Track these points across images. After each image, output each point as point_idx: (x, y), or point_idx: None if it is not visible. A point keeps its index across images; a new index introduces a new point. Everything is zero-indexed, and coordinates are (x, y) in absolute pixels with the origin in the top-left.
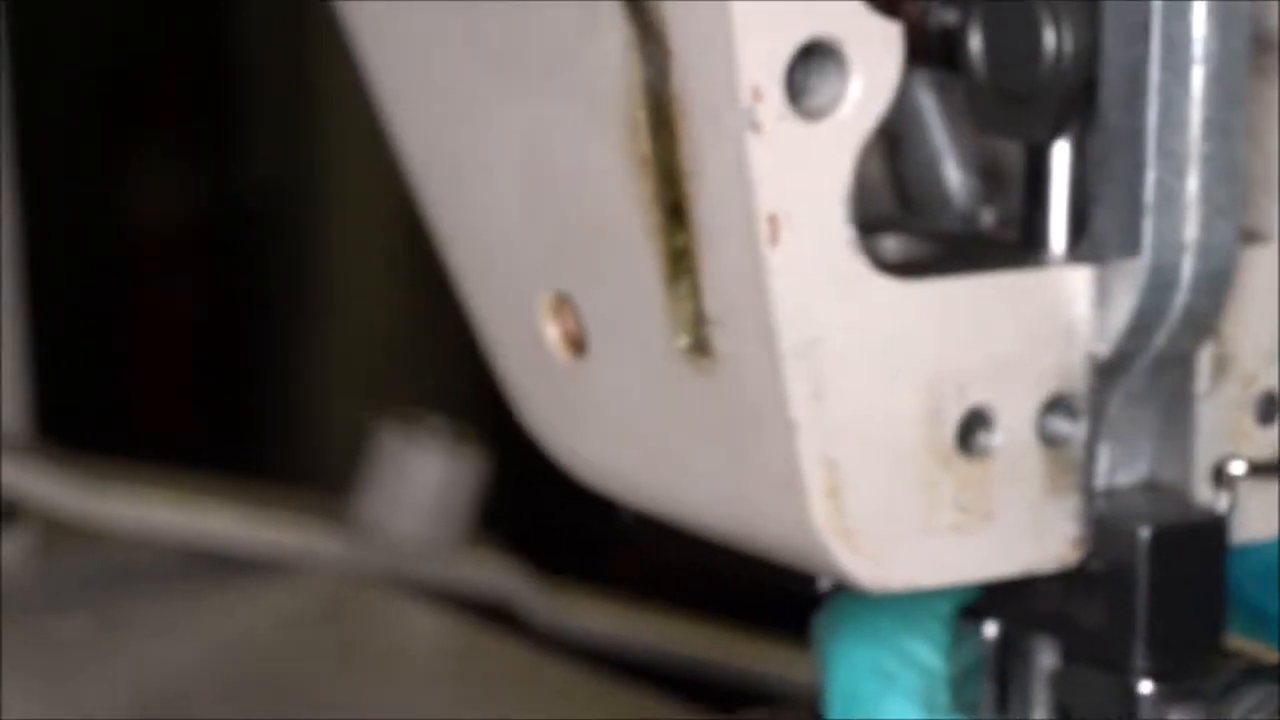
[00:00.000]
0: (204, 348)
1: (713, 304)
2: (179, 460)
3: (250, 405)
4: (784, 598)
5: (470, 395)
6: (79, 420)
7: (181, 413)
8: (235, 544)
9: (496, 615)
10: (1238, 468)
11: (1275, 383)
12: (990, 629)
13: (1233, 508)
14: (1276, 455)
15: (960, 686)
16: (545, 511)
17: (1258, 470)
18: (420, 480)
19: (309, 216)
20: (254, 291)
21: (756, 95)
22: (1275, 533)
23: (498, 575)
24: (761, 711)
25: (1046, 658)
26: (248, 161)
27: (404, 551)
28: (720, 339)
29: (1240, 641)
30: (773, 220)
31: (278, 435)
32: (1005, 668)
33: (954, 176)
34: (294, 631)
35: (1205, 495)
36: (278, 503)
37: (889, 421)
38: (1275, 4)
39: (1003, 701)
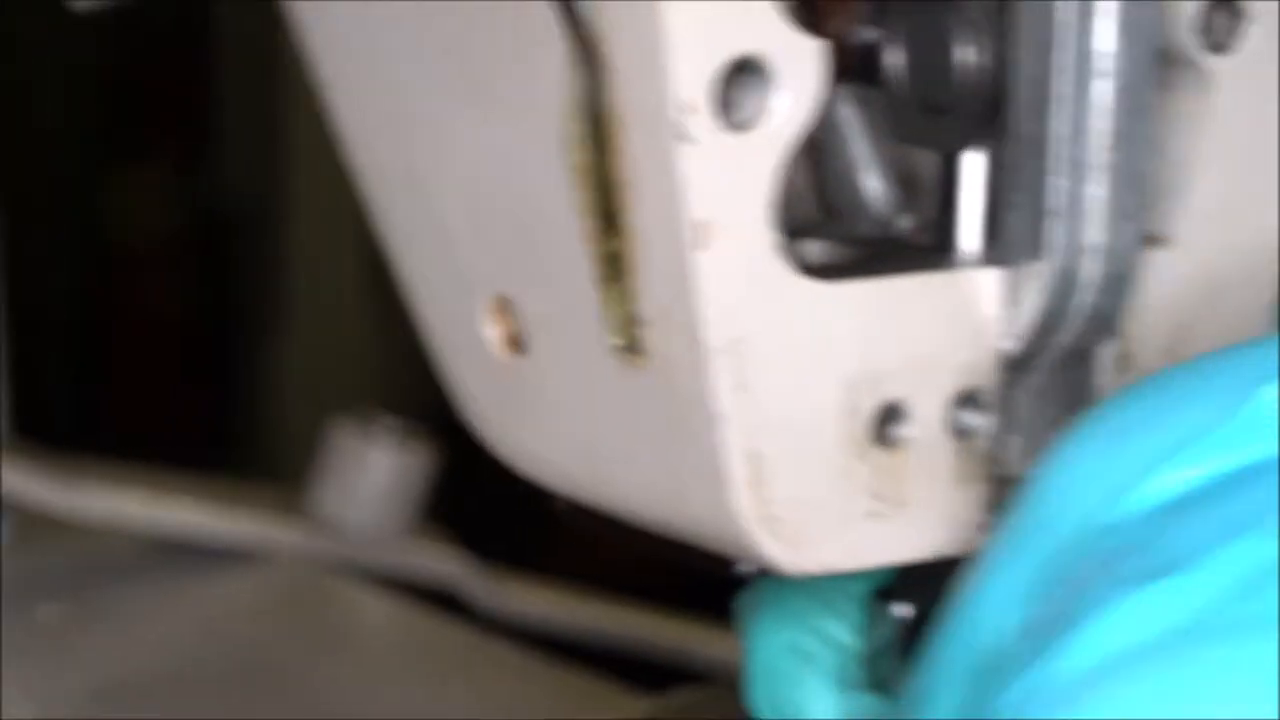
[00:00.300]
0: (179, 351)
1: (645, 305)
2: (155, 456)
3: (222, 404)
4: (710, 581)
5: (423, 395)
6: (61, 419)
7: (157, 411)
8: (202, 535)
9: (442, 599)
10: None
11: (1149, 366)
12: (902, 609)
13: None
14: None
15: (874, 664)
16: (490, 504)
17: None
18: (372, 475)
19: (278, 228)
20: (226, 298)
21: (688, 108)
22: None
23: (443, 563)
24: (688, 688)
25: None
26: (222, 177)
27: (357, 541)
28: (652, 338)
29: None
30: (702, 226)
31: (248, 432)
32: (916, 646)
33: (873, 184)
34: (256, 615)
35: None
36: (241, 496)
37: (809, 415)
38: (1178, 19)
39: None
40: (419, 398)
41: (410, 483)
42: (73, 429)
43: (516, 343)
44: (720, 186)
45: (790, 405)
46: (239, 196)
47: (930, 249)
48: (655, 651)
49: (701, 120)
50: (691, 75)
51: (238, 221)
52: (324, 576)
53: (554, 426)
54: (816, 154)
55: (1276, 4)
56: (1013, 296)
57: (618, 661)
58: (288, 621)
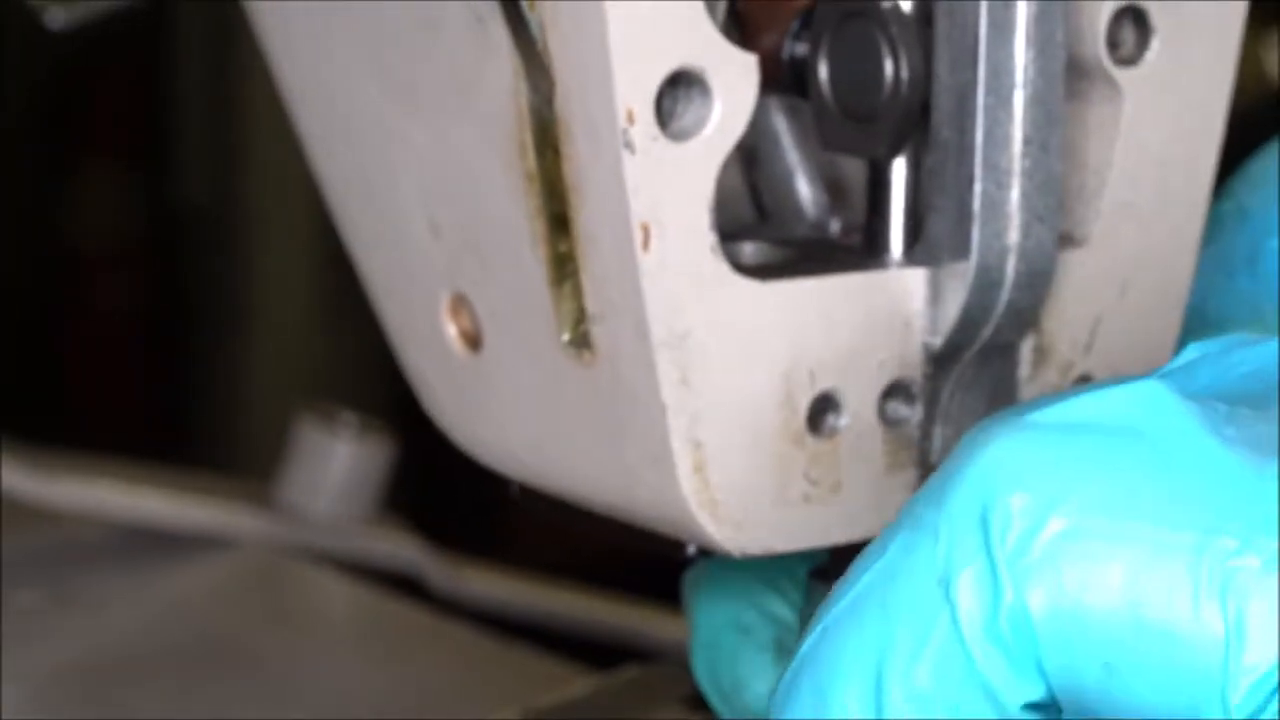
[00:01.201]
0: (140, 348)
1: (593, 303)
2: (118, 449)
3: (182, 400)
4: (657, 564)
5: (381, 388)
6: (26, 412)
7: (120, 407)
8: (172, 522)
9: (402, 584)
10: None
11: (1089, 370)
12: None
13: None
14: None
15: None
16: (450, 492)
17: None
18: (334, 466)
19: (236, 229)
20: (186, 297)
21: (630, 118)
22: None
23: (402, 549)
24: (636, 665)
25: None
26: (180, 180)
27: (321, 528)
28: (600, 334)
29: None
30: (644, 229)
31: (208, 426)
32: None
33: (805, 190)
34: (224, 600)
35: None
36: (210, 486)
37: (748, 405)
38: (1088, 33)
39: None
40: (369, 390)
41: (370, 473)
42: (33, 426)
43: (472, 339)
44: (661, 191)
45: (730, 396)
46: (195, 197)
47: (859, 251)
48: (606, 632)
49: (643, 129)
50: (633, 87)
51: (194, 221)
52: (288, 562)
53: (509, 417)
54: (751, 161)
55: (1181, 19)
56: (937, 295)
57: (567, 641)
58: (254, 605)
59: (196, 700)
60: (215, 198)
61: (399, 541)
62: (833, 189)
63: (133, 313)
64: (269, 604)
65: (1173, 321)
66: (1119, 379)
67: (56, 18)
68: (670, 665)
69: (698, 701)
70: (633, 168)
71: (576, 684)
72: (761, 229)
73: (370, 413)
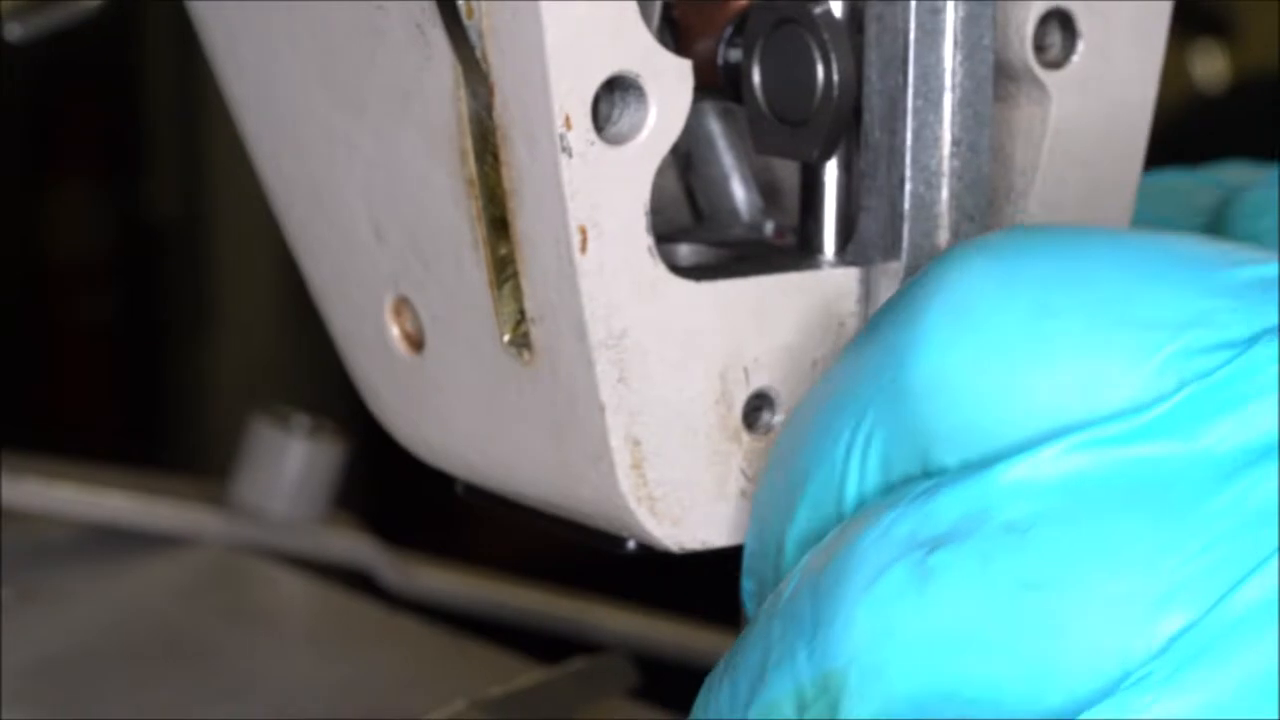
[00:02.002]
0: (112, 355)
1: (532, 304)
2: (91, 451)
3: (151, 403)
4: (601, 559)
5: (343, 391)
6: (3, 417)
7: (93, 410)
8: (132, 522)
9: (355, 580)
10: None
11: None
12: None
13: None
14: None
15: None
16: (410, 490)
17: None
18: (287, 465)
19: (203, 241)
20: (156, 306)
21: (567, 123)
22: None
23: (355, 546)
24: (581, 658)
25: None
26: (150, 195)
27: (275, 526)
28: (539, 335)
29: None
30: (582, 231)
31: (176, 428)
32: None
33: (740, 192)
34: (183, 596)
35: None
36: (168, 487)
37: (685, 403)
38: (1015, 37)
39: None
40: (332, 392)
41: (323, 472)
42: (7, 432)
43: (415, 341)
44: (598, 195)
45: (667, 395)
46: (163, 210)
47: (793, 251)
48: (554, 626)
49: (580, 134)
50: (570, 93)
51: (164, 235)
52: (245, 559)
53: (452, 417)
54: (688, 165)
55: (1107, 23)
56: (870, 293)
57: (514, 634)
58: (212, 601)
59: (156, 694)
60: (183, 211)
61: (352, 539)
62: (767, 191)
63: (105, 321)
64: (226, 600)
65: None
66: None
67: (13, 31)
68: (615, 657)
69: (641, 693)
70: (570, 172)
71: (524, 676)
72: (698, 231)
73: (333, 414)
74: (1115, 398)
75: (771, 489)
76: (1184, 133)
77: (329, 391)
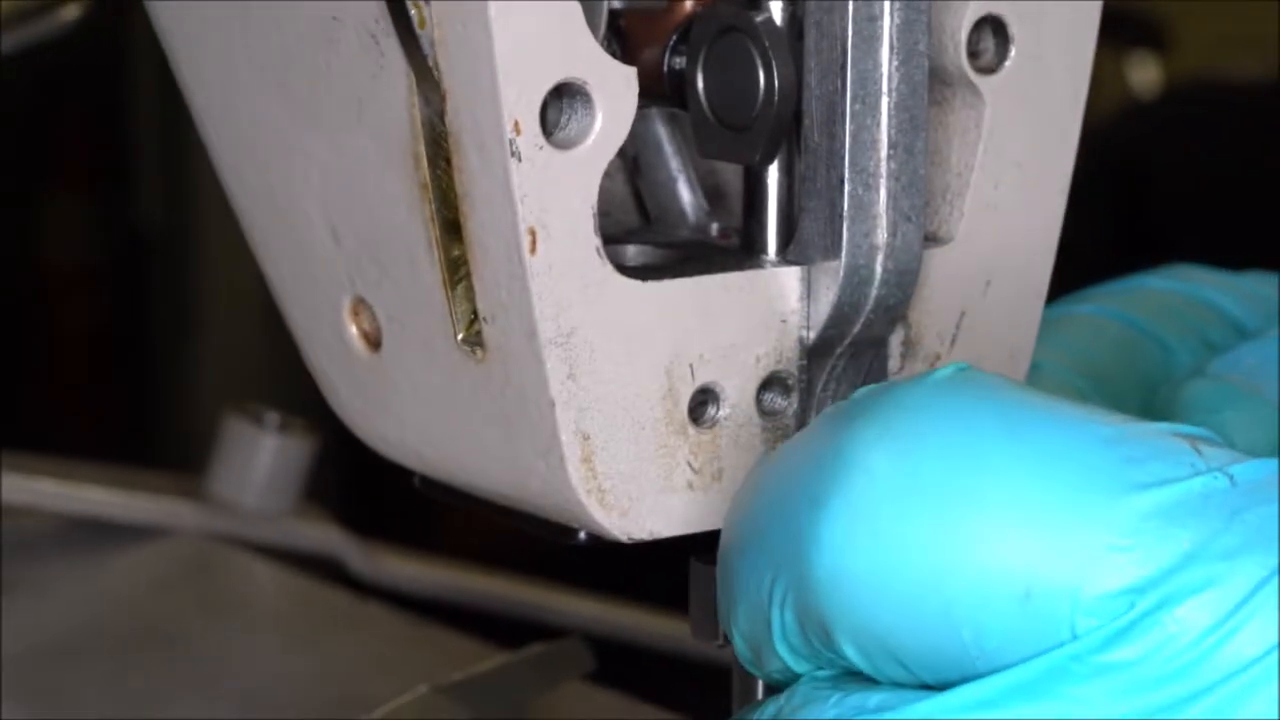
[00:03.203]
0: (103, 358)
1: (484, 304)
2: (80, 448)
3: (143, 404)
4: (556, 549)
5: (319, 391)
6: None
7: (84, 411)
8: (109, 514)
9: (327, 569)
10: None
11: (954, 361)
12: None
13: None
14: None
15: None
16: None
17: None
18: (259, 460)
19: (189, 247)
20: (144, 313)
21: (516, 129)
22: None
23: (324, 536)
24: (540, 644)
25: None
26: (137, 204)
27: (247, 518)
28: (491, 333)
29: None
30: (531, 233)
31: (163, 427)
32: None
33: (686, 195)
34: (158, 587)
35: None
36: (144, 480)
37: (633, 399)
38: (950, 43)
39: None
40: (314, 393)
41: (294, 466)
42: (7, 429)
43: (372, 339)
44: (546, 198)
45: (615, 391)
46: (154, 222)
47: (737, 251)
48: (517, 612)
49: (528, 139)
50: (518, 99)
51: (153, 245)
52: (218, 550)
53: (408, 414)
54: (636, 169)
55: (1039, 29)
56: (811, 292)
57: (477, 619)
58: (185, 591)
59: (131, 682)
60: (170, 220)
61: (322, 529)
62: (712, 194)
63: (96, 326)
64: (200, 590)
65: (1033, 315)
66: None
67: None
68: (573, 642)
69: (598, 677)
70: (519, 176)
71: (484, 661)
72: (646, 233)
73: (315, 413)
74: (1001, 646)
75: (726, 563)
76: (1120, 136)
77: (311, 391)
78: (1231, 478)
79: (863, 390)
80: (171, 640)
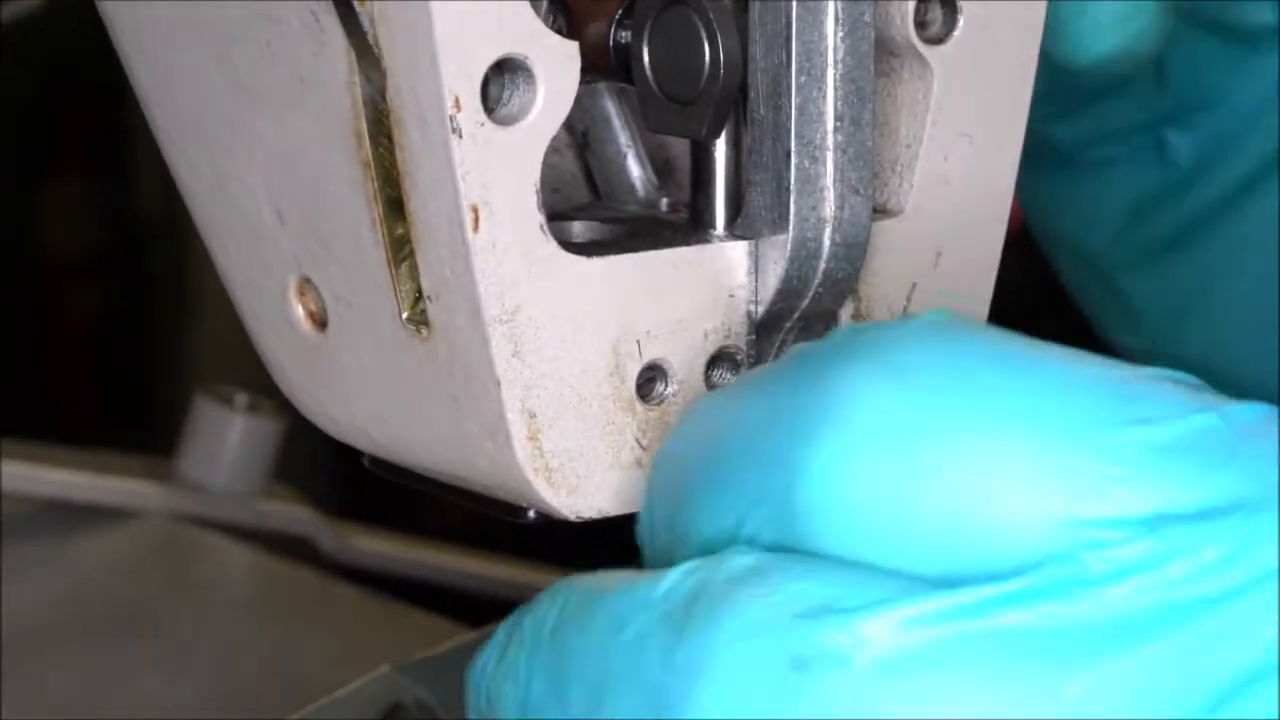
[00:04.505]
0: (104, 342)
1: (428, 282)
2: (83, 434)
3: (140, 388)
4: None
5: None
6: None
7: (86, 395)
8: (79, 497)
9: (299, 549)
10: None
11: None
12: None
13: None
14: None
15: None
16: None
17: None
18: (227, 441)
19: (188, 238)
20: (145, 295)
21: (457, 105)
22: None
23: (292, 516)
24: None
25: None
26: (139, 195)
27: (217, 499)
28: (436, 312)
29: None
30: (474, 210)
31: (162, 413)
32: None
33: (635, 170)
34: (128, 568)
35: None
36: (115, 463)
37: (579, 376)
38: (897, 13)
39: None
40: None
41: (263, 446)
42: (10, 415)
43: (319, 319)
44: (488, 174)
45: (561, 368)
46: (153, 209)
47: (684, 226)
48: (485, 589)
49: (469, 115)
50: (459, 75)
51: (153, 231)
52: (189, 531)
53: (355, 393)
54: (585, 144)
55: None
56: (759, 266)
57: (446, 596)
58: (155, 572)
59: (100, 662)
60: (169, 207)
61: (290, 509)
62: (662, 169)
63: (96, 313)
64: (169, 571)
65: (984, 287)
66: None
67: None
68: None
69: None
70: (460, 152)
71: (454, 637)
72: (594, 208)
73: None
74: (1001, 558)
75: (672, 505)
76: None
77: None
78: (1226, 416)
79: (841, 330)
80: (141, 621)
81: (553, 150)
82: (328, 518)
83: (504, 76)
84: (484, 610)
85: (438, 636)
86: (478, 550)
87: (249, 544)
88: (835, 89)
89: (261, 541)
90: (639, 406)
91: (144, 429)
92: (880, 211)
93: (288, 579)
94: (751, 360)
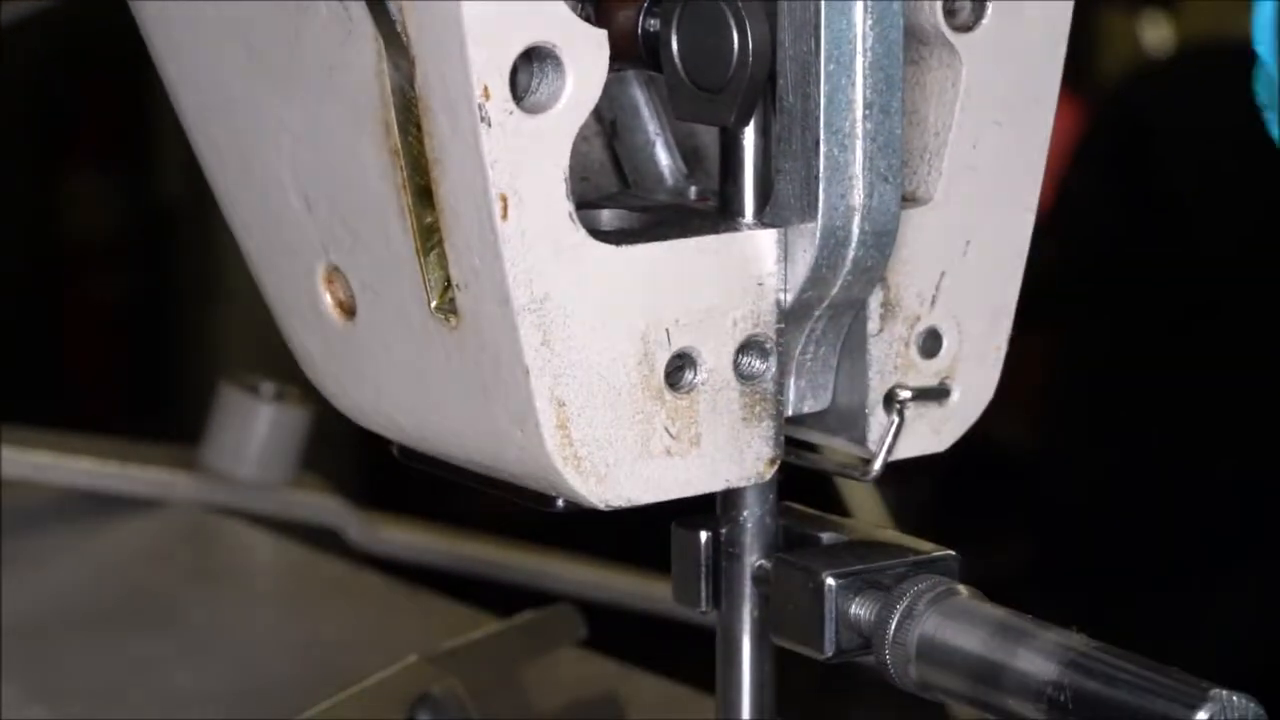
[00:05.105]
0: (126, 328)
1: (457, 271)
2: (107, 421)
3: (161, 374)
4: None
5: None
6: (26, 392)
7: (107, 383)
8: (106, 486)
9: (327, 539)
10: (905, 394)
11: (934, 323)
12: (703, 535)
13: (900, 429)
14: (937, 383)
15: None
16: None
17: (922, 396)
18: (255, 430)
19: (210, 224)
20: (165, 284)
21: (486, 94)
22: (941, 446)
23: (320, 505)
24: (531, 611)
25: (753, 558)
26: (160, 179)
27: (244, 487)
28: (465, 300)
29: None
30: (503, 199)
31: (184, 399)
32: (717, 567)
33: (663, 158)
34: (153, 558)
35: (880, 418)
36: (142, 452)
37: (608, 365)
38: (925, 2)
39: (715, 596)
40: None
41: (290, 435)
42: (32, 403)
43: (347, 308)
44: (517, 163)
45: (590, 357)
46: (175, 195)
47: (713, 214)
48: (512, 577)
49: (498, 104)
50: (488, 64)
51: (175, 217)
52: (215, 520)
53: (383, 382)
54: (614, 133)
55: None
56: (788, 254)
57: (472, 585)
58: (182, 561)
59: (126, 654)
60: (191, 192)
61: (318, 498)
62: (691, 157)
63: (118, 299)
64: (196, 560)
65: (1014, 275)
66: None
67: None
68: (565, 609)
69: (589, 643)
70: (489, 141)
71: (481, 625)
72: (623, 197)
73: None
74: None
75: None
76: (1131, 94)
77: None
78: None
79: None
80: (168, 610)
81: (581, 139)
82: (355, 507)
83: (532, 65)
84: (512, 599)
85: (466, 626)
86: (506, 539)
87: (275, 533)
88: (864, 77)
89: (288, 531)
90: (668, 395)
91: (168, 416)
92: (909, 200)
93: (314, 568)
94: (780, 348)
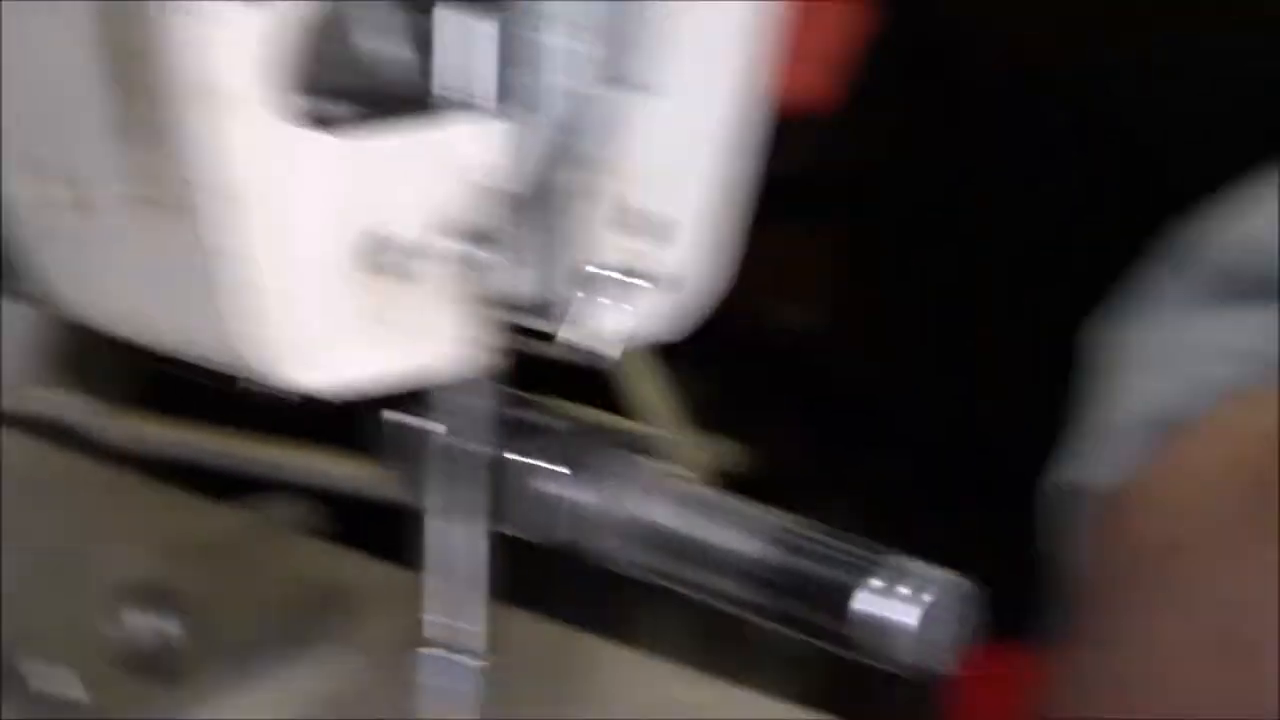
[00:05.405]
0: None
1: (166, 162)
2: None
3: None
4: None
5: None
6: None
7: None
8: None
9: (64, 435)
10: (633, 282)
11: (660, 209)
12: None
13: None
14: (664, 270)
15: None
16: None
17: (647, 281)
18: None
19: None
20: None
21: None
22: (674, 335)
23: (54, 402)
24: (267, 500)
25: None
26: None
27: None
28: (175, 191)
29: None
30: (210, 89)
31: None
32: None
33: (389, 49)
34: None
35: (606, 306)
36: None
37: (319, 253)
38: None
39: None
40: None
41: (23, 334)
42: None
43: (66, 205)
44: (222, 52)
45: (300, 246)
46: None
47: (434, 103)
48: (247, 469)
49: None
50: None
51: None
52: None
53: (101, 276)
54: (344, 23)
55: None
56: (513, 143)
57: (212, 478)
58: None
59: None
60: None
61: (52, 396)
62: (419, 47)
63: None
64: None
65: (741, 163)
66: None
67: None
68: (297, 499)
69: (315, 530)
70: (196, 29)
71: (217, 514)
72: (341, 87)
73: None
74: None
75: None
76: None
77: None
78: None
79: None
80: None
81: (300, 27)
82: (94, 404)
83: None
84: (246, 488)
85: (198, 512)
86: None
87: (19, 432)
88: None
89: (28, 429)
90: (382, 283)
91: None
92: (638, 89)
93: (57, 464)
94: (502, 238)
